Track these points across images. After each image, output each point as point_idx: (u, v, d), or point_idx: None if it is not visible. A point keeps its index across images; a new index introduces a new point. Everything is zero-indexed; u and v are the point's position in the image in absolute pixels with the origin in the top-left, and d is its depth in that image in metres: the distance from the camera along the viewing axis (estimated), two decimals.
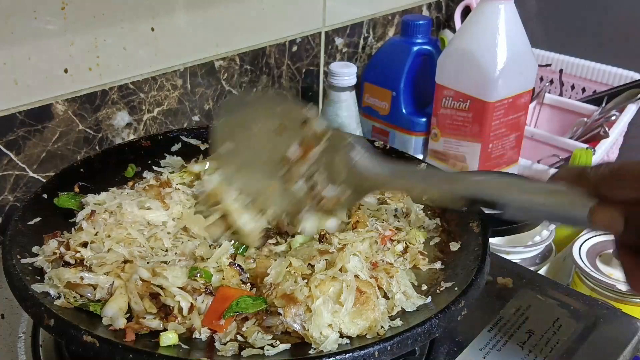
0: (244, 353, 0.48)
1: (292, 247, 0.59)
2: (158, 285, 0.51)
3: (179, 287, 0.52)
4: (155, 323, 0.50)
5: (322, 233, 0.59)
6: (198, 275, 0.53)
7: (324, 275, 0.52)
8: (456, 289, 0.54)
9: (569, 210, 0.47)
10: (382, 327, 0.50)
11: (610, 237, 0.48)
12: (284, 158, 0.62)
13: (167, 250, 0.59)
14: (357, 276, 0.53)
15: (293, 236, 0.61)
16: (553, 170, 0.97)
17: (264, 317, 0.51)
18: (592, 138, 1.07)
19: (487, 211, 0.63)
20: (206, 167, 0.70)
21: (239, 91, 0.96)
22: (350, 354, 0.46)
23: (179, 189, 0.67)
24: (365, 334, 0.50)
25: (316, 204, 0.61)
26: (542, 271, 0.84)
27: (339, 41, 1.14)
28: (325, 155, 0.61)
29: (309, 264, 0.54)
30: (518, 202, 0.50)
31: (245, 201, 0.63)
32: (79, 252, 0.56)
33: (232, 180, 0.65)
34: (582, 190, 0.47)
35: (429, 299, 0.55)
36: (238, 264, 0.55)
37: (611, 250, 0.81)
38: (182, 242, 0.60)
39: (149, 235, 0.60)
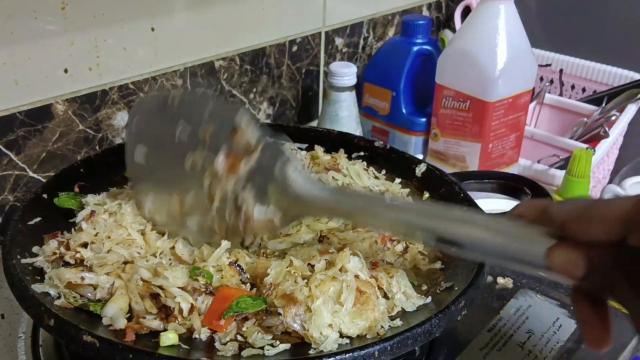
0: (244, 353, 0.48)
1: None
2: (159, 286, 0.51)
3: (179, 287, 0.52)
4: (155, 323, 0.50)
5: (323, 234, 0.59)
6: (200, 275, 0.53)
7: (324, 275, 0.52)
8: (456, 289, 0.54)
9: (523, 250, 0.41)
10: (382, 327, 0.50)
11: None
12: (209, 170, 0.55)
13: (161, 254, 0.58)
14: (357, 276, 0.53)
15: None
16: (553, 170, 0.97)
17: (264, 317, 0.51)
18: (592, 138, 1.07)
19: (490, 211, 0.63)
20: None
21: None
22: (350, 354, 0.46)
23: None
24: (365, 334, 0.50)
25: (243, 225, 0.55)
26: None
27: (339, 41, 1.14)
28: (255, 170, 0.54)
29: (309, 264, 0.54)
30: (472, 239, 0.44)
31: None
32: (79, 252, 0.56)
33: (145, 198, 0.58)
34: (544, 229, 0.41)
35: (429, 299, 0.55)
36: (238, 264, 0.55)
37: None
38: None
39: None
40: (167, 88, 0.90)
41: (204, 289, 0.52)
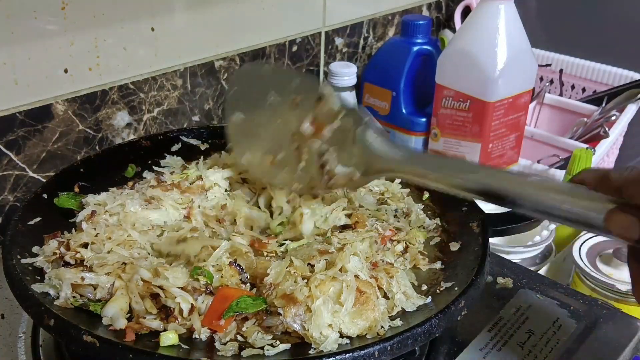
0: (244, 353, 0.48)
1: (288, 250, 0.59)
2: (159, 286, 0.51)
3: (179, 287, 0.52)
4: (155, 323, 0.50)
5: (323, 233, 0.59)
6: (201, 275, 0.53)
7: (324, 275, 0.52)
8: (456, 289, 0.54)
9: (584, 213, 0.44)
10: (382, 327, 0.50)
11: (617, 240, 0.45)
12: (296, 133, 0.61)
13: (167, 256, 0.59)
14: (357, 276, 0.53)
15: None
16: (553, 170, 0.97)
17: (264, 317, 0.51)
18: (592, 138, 1.07)
19: (490, 211, 0.64)
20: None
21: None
22: (350, 354, 0.46)
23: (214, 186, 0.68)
24: (366, 334, 0.50)
25: (326, 181, 0.60)
26: (542, 271, 0.84)
27: (339, 41, 1.14)
28: (338, 134, 0.60)
29: (309, 264, 0.54)
30: (533, 200, 0.47)
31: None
32: (79, 252, 0.56)
33: (243, 152, 0.64)
34: (604, 194, 0.44)
35: (429, 299, 0.55)
36: (238, 264, 0.55)
37: (611, 251, 0.81)
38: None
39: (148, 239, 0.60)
40: (167, 88, 0.90)
41: (204, 289, 0.52)
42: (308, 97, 0.61)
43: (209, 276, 0.53)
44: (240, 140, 0.66)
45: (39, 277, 0.54)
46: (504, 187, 0.49)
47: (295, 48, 1.07)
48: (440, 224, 0.67)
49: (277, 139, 0.63)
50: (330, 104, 0.60)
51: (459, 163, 0.57)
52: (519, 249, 0.80)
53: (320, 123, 0.60)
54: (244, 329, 0.50)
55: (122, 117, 0.86)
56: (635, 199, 0.42)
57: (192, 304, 0.51)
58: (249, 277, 0.55)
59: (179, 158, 0.75)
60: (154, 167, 0.74)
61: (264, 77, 0.65)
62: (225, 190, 0.67)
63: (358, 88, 1.02)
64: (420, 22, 1.02)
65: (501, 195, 0.49)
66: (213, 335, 0.50)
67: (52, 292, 0.52)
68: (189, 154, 0.76)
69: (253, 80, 0.65)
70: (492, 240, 0.64)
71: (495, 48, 0.87)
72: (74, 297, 0.52)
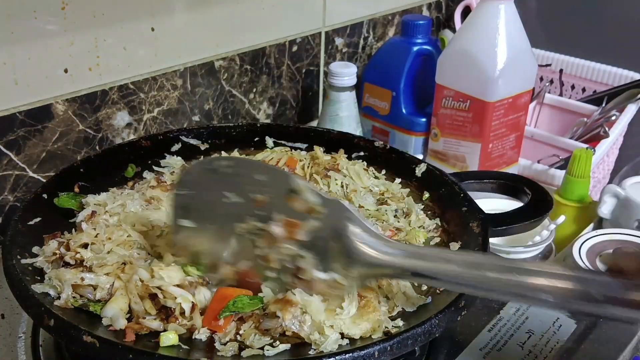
0: (244, 353, 0.48)
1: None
2: (157, 287, 0.51)
3: (176, 285, 0.51)
4: (155, 324, 0.50)
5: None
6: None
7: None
8: None
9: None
10: (386, 327, 0.50)
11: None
12: (262, 237, 0.52)
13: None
14: None
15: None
16: (553, 170, 0.97)
17: (261, 320, 0.50)
18: (592, 138, 1.07)
19: (490, 211, 0.63)
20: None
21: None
22: (350, 354, 0.46)
23: None
24: (370, 335, 0.50)
25: (306, 289, 0.52)
26: None
27: (339, 41, 1.14)
28: (315, 235, 0.50)
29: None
30: (560, 299, 0.45)
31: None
32: (79, 252, 0.56)
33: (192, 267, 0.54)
34: None
35: (429, 299, 0.55)
36: None
37: (611, 251, 0.80)
38: None
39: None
40: (167, 88, 0.90)
41: (201, 281, 0.52)
42: (275, 193, 0.51)
43: (199, 269, 0.53)
44: (192, 251, 0.55)
45: (39, 278, 0.54)
46: (520, 290, 0.46)
47: (295, 48, 1.07)
48: (440, 224, 0.67)
49: (238, 247, 0.53)
50: (304, 200, 0.50)
51: (478, 259, 0.49)
52: (519, 249, 0.79)
53: (292, 223, 0.51)
54: (241, 331, 0.50)
55: (122, 117, 0.86)
56: None
57: (192, 302, 0.51)
58: None
59: (179, 158, 0.75)
60: (154, 167, 0.74)
61: (217, 174, 0.53)
62: None
63: (358, 88, 1.02)
64: (420, 22, 1.02)
65: (518, 296, 0.47)
66: (213, 335, 0.50)
67: (52, 292, 0.52)
68: (189, 154, 0.76)
69: (206, 179, 0.54)
70: (492, 240, 0.64)
71: (495, 48, 0.87)
72: (73, 297, 0.52)
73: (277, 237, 0.51)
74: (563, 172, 0.90)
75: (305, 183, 0.51)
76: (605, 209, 0.85)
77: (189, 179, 0.55)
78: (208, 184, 0.54)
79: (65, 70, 0.78)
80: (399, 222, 0.66)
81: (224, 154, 0.75)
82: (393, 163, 0.75)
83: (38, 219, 0.60)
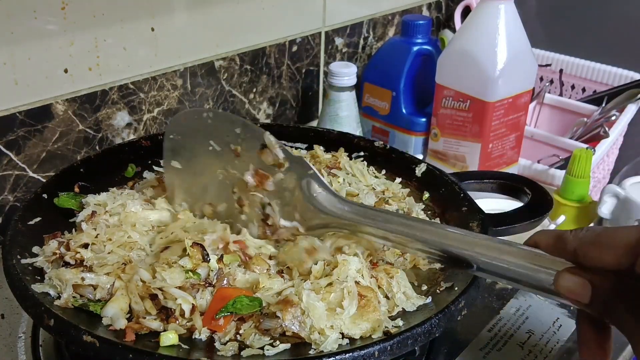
0: (244, 353, 0.48)
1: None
2: (158, 288, 0.51)
3: (178, 287, 0.51)
4: (155, 324, 0.50)
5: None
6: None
7: (325, 281, 0.52)
8: (456, 288, 0.54)
9: (534, 274, 0.44)
10: (386, 327, 0.50)
11: None
12: (238, 184, 0.60)
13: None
14: (357, 282, 0.53)
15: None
16: (553, 170, 0.97)
17: (261, 320, 0.50)
18: (592, 138, 1.07)
19: (490, 211, 0.64)
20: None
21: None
22: (350, 354, 0.46)
23: None
24: (370, 335, 0.50)
25: (270, 234, 0.59)
26: None
27: (339, 41, 1.15)
28: (281, 187, 0.58)
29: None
30: (486, 260, 0.48)
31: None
32: (79, 252, 0.55)
33: (181, 200, 0.63)
34: (558, 255, 0.44)
35: (429, 299, 0.55)
36: (201, 244, 0.55)
37: None
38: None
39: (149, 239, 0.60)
40: (167, 88, 0.90)
41: (203, 282, 0.52)
42: (250, 146, 0.59)
43: (196, 276, 0.53)
44: (178, 189, 0.63)
45: (39, 277, 0.54)
46: (458, 247, 0.50)
47: (295, 48, 1.07)
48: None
49: (218, 190, 0.61)
50: (273, 154, 0.58)
51: (412, 221, 0.55)
52: None
53: (262, 175, 0.59)
54: (241, 331, 0.50)
55: (122, 117, 0.86)
56: (588, 260, 0.41)
57: (193, 304, 0.51)
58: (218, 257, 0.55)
59: None
60: (154, 167, 0.74)
61: (202, 124, 0.61)
62: None
63: (358, 88, 1.02)
64: (420, 22, 1.02)
65: (457, 256, 0.50)
66: (213, 335, 0.50)
67: (52, 292, 0.52)
68: None
69: (191, 127, 0.62)
70: None
71: (495, 48, 0.87)
72: (74, 297, 0.52)
73: (250, 185, 0.59)
74: (563, 172, 0.90)
75: (276, 140, 0.58)
76: (605, 209, 0.85)
77: (177, 125, 0.63)
78: (194, 132, 0.62)
79: (65, 70, 0.78)
80: None
81: None
82: (393, 163, 0.75)
83: (38, 219, 0.60)
